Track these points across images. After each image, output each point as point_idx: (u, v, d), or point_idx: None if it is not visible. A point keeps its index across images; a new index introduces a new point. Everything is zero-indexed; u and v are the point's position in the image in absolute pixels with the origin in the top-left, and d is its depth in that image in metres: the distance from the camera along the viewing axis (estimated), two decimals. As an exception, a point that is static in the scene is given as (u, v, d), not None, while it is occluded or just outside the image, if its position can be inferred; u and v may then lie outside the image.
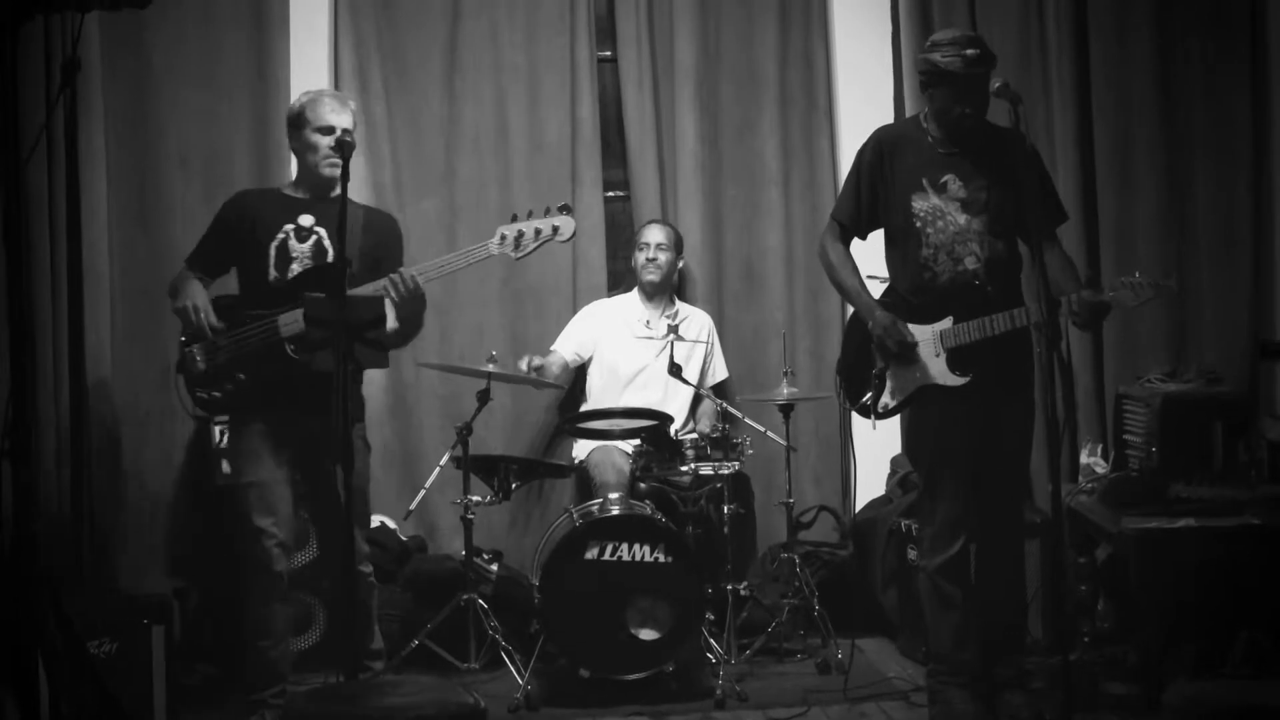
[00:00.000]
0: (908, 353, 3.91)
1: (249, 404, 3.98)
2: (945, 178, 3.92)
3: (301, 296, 3.82)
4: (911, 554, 4.71)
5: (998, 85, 3.62)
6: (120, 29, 4.85)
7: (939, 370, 3.91)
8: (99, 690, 3.04)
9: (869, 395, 4.05)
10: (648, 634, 4.32)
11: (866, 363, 4.06)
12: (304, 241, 4.02)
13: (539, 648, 4.35)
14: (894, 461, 5.25)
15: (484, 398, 4.63)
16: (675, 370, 4.69)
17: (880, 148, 4.01)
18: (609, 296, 5.38)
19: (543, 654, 4.37)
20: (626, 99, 5.42)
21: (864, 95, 5.42)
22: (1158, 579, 3.85)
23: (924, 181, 3.93)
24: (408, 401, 5.33)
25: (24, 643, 2.85)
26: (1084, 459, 4.72)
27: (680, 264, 5.28)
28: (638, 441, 4.73)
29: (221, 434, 4.61)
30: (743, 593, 4.68)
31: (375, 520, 4.96)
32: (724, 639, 4.56)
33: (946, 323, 3.91)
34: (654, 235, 5.20)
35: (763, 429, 4.88)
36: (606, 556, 4.34)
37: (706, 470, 4.59)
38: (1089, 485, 4.43)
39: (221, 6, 5.05)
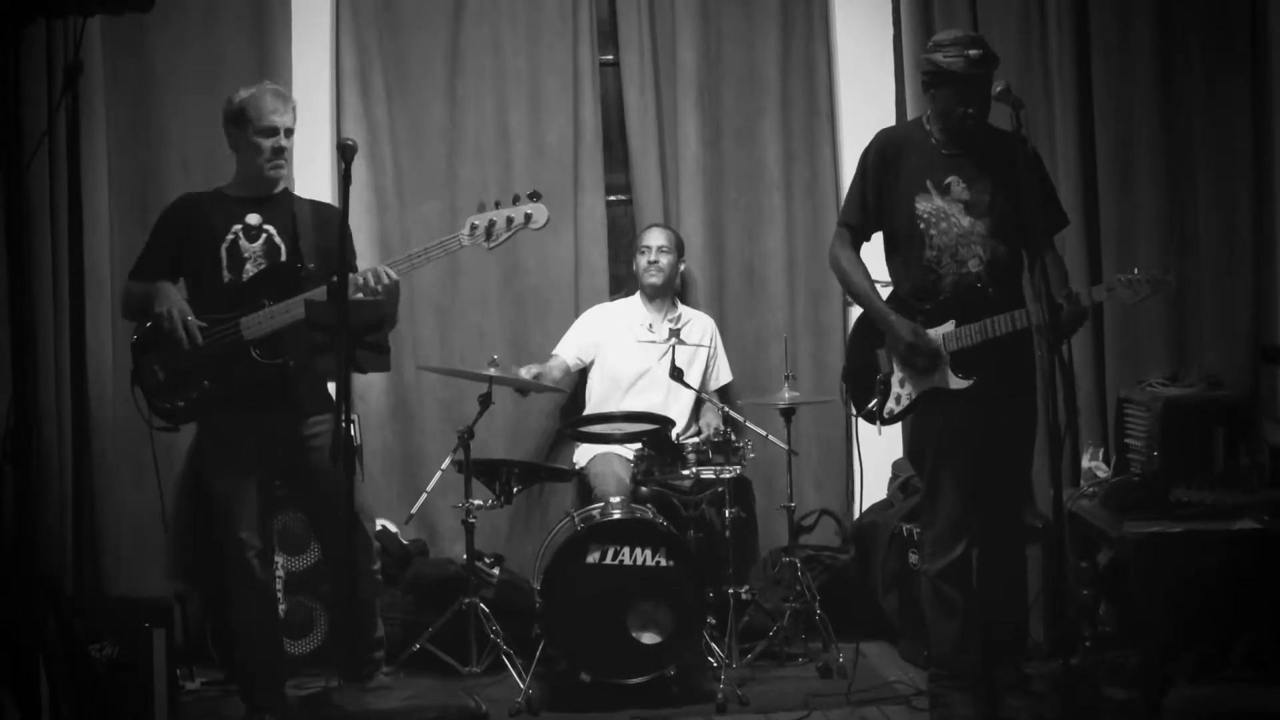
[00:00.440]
0: (935, 361, 3.90)
1: (214, 410, 3.91)
2: (948, 179, 3.92)
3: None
4: (913, 558, 4.71)
5: (999, 89, 3.61)
6: (122, 33, 4.87)
7: (943, 374, 3.91)
8: (99, 693, 3.04)
9: (874, 401, 4.04)
10: (649, 638, 4.31)
11: (871, 368, 4.05)
12: (254, 241, 3.97)
13: (540, 651, 4.35)
14: (896, 465, 5.24)
15: (485, 401, 4.63)
16: (677, 374, 4.69)
17: (884, 150, 4.02)
18: (611, 300, 5.38)
19: (544, 658, 4.37)
20: (628, 103, 5.42)
21: (865, 99, 5.42)
22: (1159, 583, 3.84)
23: (927, 183, 3.93)
24: (409, 405, 5.33)
25: (24, 645, 2.85)
26: (1085, 463, 4.71)
27: (682, 267, 5.28)
28: (639, 445, 4.73)
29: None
30: (744, 597, 4.67)
31: (377, 524, 4.95)
32: (725, 643, 4.55)
33: (949, 326, 3.91)
34: (655, 238, 5.20)
35: (764, 433, 4.87)
36: (608, 560, 4.34)
37: (708, 474, 4.59)
38: (1090, 489, 4.43)
39: (224, 11, 5.05)
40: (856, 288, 4.04)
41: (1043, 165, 4.12)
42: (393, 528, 5.04)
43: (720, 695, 4.25)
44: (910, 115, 5.14)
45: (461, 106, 5.34)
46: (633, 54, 5.40)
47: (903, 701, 4.29)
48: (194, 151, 4.99)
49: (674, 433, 4.75)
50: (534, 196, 3.83)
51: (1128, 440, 4.60)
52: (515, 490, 4.68)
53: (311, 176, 5.03)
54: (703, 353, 5.18)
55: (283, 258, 3.94)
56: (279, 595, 4.53)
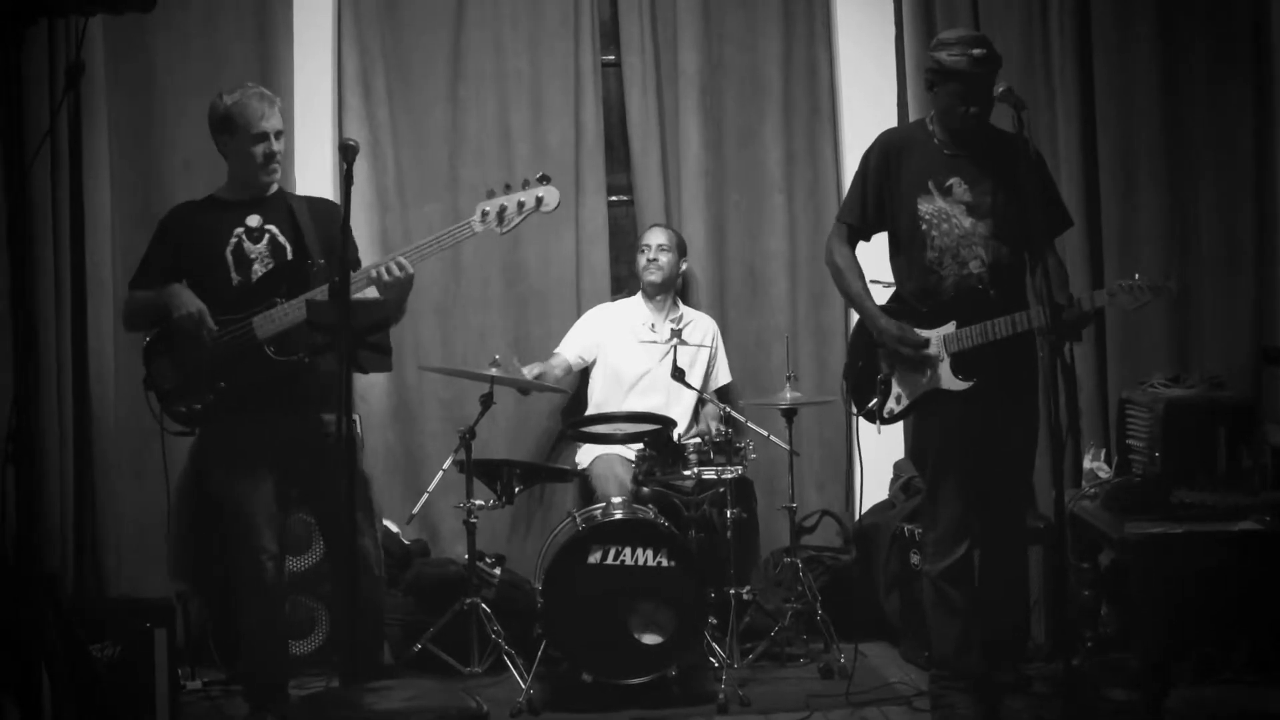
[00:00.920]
0: (922, 355, 3.90)
1: (228, 413, 3.89)
2: (950, 180, 3.92)
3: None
4: (914, 559, 4.71)
5: (1001, 90, 3.62)
6: (124, 35, 4.87)
7: (944, 375, 3.91)
8: (100, 693, 3.04)
9: (874, 401, 4.04)
10: (650, 638, 4.31)
11: (872, 368, 4.06)
12: (258, 242, 3.95)
13: (541, 652, 4.35)
14: (897, 466, 5.25)
15: (487, 401, 4.63)
16: (678, 375, 4.70)
17: (886, 150, 4.02)
18: (613, 301, 5.38)
19: (545, 658, 4.37)
20: (630, 104, 5.42)
21: (867, 101, 5.42)
22: (1160, 584, 3.84)
23: (929, 184, 3.93)
24: (410, 405, 5.34)
25: (25, 645, 2.85)
26: (1087, 464, 4.71)
27: (683, 267, 5.28)
28: (641, 446, 4.73)
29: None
30: (745, 597, 4.67)
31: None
32: (726, 643, 4.55)
33: (950, 327, 3.91)
34: (655, 237, 5.21)
35: (766, 433, 4.88)
36: (609, 561, 4.34)
37: (709, 475, 4.59)
38: (1092, 490, 4.42)
39: (225, 12, 5.06)
40: (847, 285, 4.04)
41: (1045, 167, 4.12)
42: (394, 528, 5.04)
43: (721, 696, 4.25)
44: (912, 117, 5.14)
45: (463, 108, 5.35)
46: (634, 56, 5.40)
47: (904, 702, 4.29)
48: (196, 152, 4.97)
49: (675, 433, 4.76)
50: (543, 179, 3.79)
51: (1129, 441, 4.60)
52: (517, 490, 4.68)
53: (312, 177, 5.04)
54: (704, 353, 5.18)
55: (289, 255, 3.94)
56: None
